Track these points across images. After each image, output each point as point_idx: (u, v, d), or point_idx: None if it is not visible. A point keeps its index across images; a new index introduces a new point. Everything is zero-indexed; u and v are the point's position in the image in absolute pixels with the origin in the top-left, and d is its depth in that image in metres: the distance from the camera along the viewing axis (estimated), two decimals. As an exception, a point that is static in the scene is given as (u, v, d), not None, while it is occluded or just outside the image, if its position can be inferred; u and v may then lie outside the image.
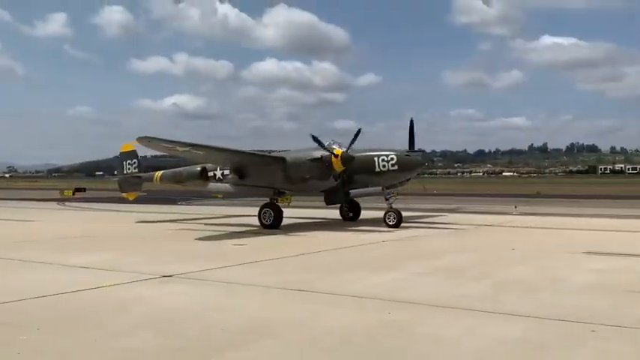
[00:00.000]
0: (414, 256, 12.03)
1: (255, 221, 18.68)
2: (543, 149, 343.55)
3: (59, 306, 7.26)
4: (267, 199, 18.81)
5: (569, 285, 8.56)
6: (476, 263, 10.82)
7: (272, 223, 18.01)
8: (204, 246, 14.13)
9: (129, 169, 24.12)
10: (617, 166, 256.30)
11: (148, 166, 26.06)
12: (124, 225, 20.36)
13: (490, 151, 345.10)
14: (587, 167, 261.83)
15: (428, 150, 18.76)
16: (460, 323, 6.31)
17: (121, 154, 24.61)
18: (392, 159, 17.93)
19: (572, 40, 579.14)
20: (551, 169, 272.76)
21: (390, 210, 18.22)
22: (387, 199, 18.55)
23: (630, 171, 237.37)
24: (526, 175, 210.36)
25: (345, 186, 18.61)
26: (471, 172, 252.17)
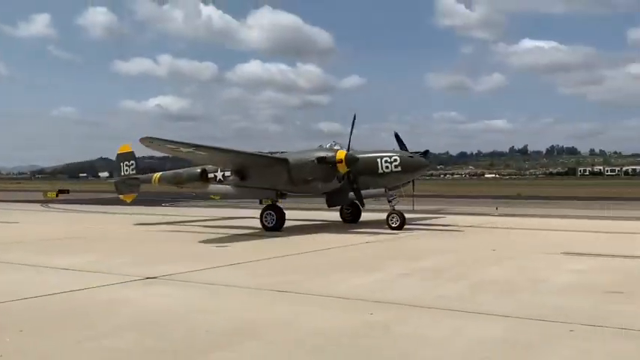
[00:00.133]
0: (396, 257, 12.13)
1: (252, 223, 18.49)
2: (524, 151, 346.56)
3: (43, 308, 7.24)
4: (269, 201, 18.57)
5: (548, 285, 8.70)
6: (457, 264, 10.96)
7: (274, 225, 17.78)
8: (189, 247, 14.11)
9: (126, 170, 23.62)
10: (596, 169, 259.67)
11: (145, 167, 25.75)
12: (108, 226, 20.26)
13: (472, 153, 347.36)
14: (566, 169, 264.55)
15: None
16: (442, 323, 6.41)
17: (118, 155, 24.12)
18: (395, 160, 17.81)
19: (553, 44, 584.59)
20: (531, 171, 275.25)
21: (392, 212, 17.98)
22: (389, 201, 18.32)
23: (609, 173, 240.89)
24: (507, 177, 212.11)
25: (346, 187, 18.24)
26: (453, 174, 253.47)
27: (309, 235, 16.66)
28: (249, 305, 7.44)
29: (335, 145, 17.77)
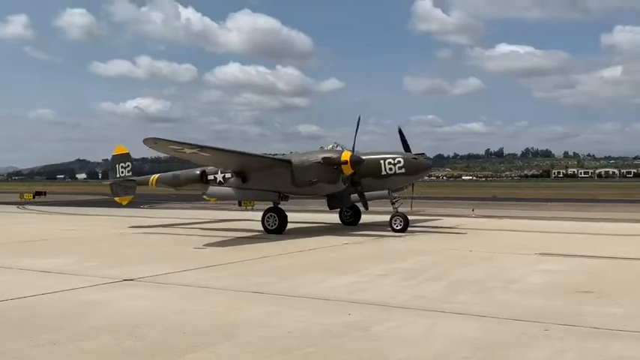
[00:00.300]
0: (375, 257, 12.20)
1: (250, 225, 18.34)
2: (499, 154, 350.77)
3: (18, 309, 7.17)
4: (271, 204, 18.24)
5: (523, 285, 8.84)
6: (434, 264, 11.06)
7: (276, 228, 17.46)
8: (167, 250, 14.04)
9: (122, 172, 23.10)
10: (570, 171, 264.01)
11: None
12: (86, 228, 20.03)
13: (449, 156, 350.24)
14: (541, 171, 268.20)
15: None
16: (419, 323, 6.47)
17: (114, 156, 23.64)
18: (399, 162, 17.56)
19: (528, 49, 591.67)
20: (507, 173, 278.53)
21: (396, 214, 17.73)
22: (392, 203, 18.05)
23: (582, 175, 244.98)
24: (483, 179, 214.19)
25: (347, 189, 17.92)
26: (430, 175, 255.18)
27: (297, 237, 16.54)
28: (226, 306, 7.43)
29: (337, 146, 17.58)
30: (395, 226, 17.56)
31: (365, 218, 21.27)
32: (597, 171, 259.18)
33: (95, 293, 8.22)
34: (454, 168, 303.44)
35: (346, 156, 16.83)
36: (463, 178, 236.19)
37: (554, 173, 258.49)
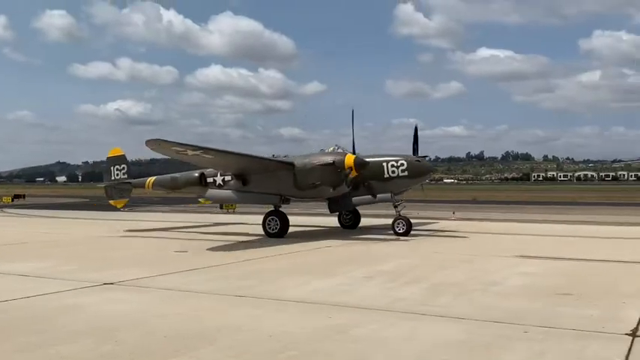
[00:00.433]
0: (358, 260, 12.23)
1: (245, 229, 18.28)
2: (480, 157, 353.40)
3: (-6, 315, 7.08)
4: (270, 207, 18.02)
5: (503, 288, 8.91)
6: (415, 267, 11.11)
7: (278, 231, 17.18)
8: (148, 253, 13.95)
9: (117, 174, 22.67)
10: (550, 174, 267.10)
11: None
12: (65, 232, 19.84)
13: (430, 159, 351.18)
14: (521, 175, 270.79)
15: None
16: (400, 326, 6.50)
17: (109, 158, 23.15)
18: (402, 164, 17.34)
19: (508, 53, 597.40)
20: (487, 176, 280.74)
21: (399, 217, 17.50)
22: (395, 207, 17.81)
23: (562, 178, 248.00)
24: (464, 182, 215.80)
25: (350, 193, 17.69)
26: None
27: (289, 241, 16.27)
28: (206, 310, 7.41)
29: (338, 148, 17.42)
30: (398, 230, 17.31)
31: (365, 222, 21.20)
32: (576, 174, 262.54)
33: (75, 297, 8.14)
34: (435, 171, 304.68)
35: (350, 159, 16.68)
36: (445, 181, 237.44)
37: (534, 176, 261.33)
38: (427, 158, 18.41)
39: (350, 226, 20.44)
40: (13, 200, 48.43)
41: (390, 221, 18.14)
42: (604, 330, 6.27)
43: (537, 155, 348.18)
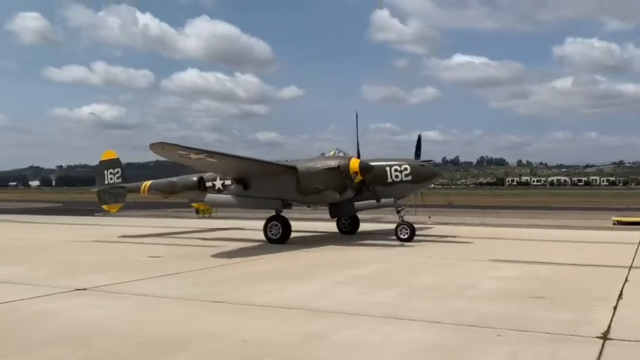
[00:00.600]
0: (335, 265, 12.24)
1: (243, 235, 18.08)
2: (455, 162, 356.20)
3: (-37, 322, 6.94)
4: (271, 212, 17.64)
5: (476, 291, 9.00)
6: (390, 272, 11.17)
7: (280, 237, 16.80)
8: (121, 259, 13.78)
9: (111, 179, 22.15)
10: (523, 179, 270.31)
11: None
12: (37, 237, 19.52)
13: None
14: (495, 179, 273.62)
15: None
16: (377, 330, 6.52)
17: (101, 162, 22.59)
18: (405, 169, 17.09)
19: (483, 59, 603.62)
20: (462, 180, 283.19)
21: (402, 223, 17.16)
22: (398, 212, 17.52)
23: (535, 183, 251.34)
24: (440, 187, 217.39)
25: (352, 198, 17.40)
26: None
27: (280, 248, 16.01)
28: (181, 316, 7.34)
29: (339, 152, 17.17)
30: (401, 235, 16.98)
31: (365, 227, 21.07)
32: (549, 179, 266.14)
33: (47, 303, 8.02)
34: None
35: (356, 163, 16.34)
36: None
37: (508, 181, 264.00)
38: (432, 162, 18.13)
39: (349, 231, 20.12)
40: None
41: (390, 227, 17.94)
42: (576, 333, 6.36)
43: (511, 160, 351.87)
